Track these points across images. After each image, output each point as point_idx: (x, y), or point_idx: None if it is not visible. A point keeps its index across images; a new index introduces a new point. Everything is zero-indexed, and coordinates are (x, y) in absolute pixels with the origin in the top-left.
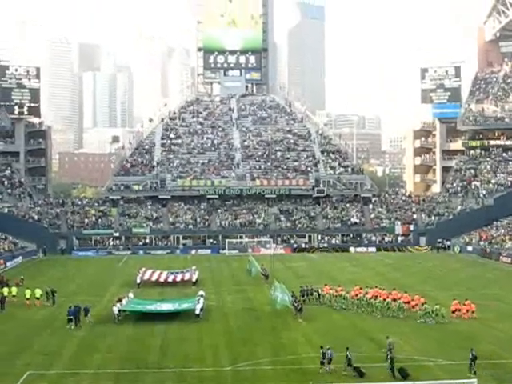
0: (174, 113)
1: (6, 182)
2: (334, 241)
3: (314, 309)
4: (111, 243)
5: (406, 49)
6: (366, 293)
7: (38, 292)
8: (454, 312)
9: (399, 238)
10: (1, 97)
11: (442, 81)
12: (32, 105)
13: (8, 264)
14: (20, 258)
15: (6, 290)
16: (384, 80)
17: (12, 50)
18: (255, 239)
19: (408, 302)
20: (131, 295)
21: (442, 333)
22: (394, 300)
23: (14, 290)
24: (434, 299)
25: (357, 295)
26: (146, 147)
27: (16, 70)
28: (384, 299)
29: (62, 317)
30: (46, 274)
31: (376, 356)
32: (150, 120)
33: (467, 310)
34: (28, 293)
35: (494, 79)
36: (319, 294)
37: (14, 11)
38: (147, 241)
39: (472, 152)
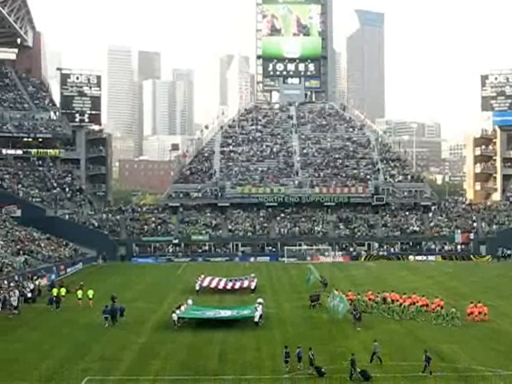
0: (234, 120)
1: (66, 189)
2: (393, 249)
3: (372, 317)
4: (170, 250)
5: (467, 55)
6: (384, 297)
7: (91, 292)
8: (469, 315)
9: (459, 247)
10: (62, 105)
11: (503, 88)
12: (93, 112)
13: (68, 270)
14: (80, 264)
15: (55, 291)
16: (444, 87)
17: (73, 58)
18: (314, 247)
19: (426, 305)
20: (190, 302)
21: (501, 343)
22: (413, 303)
23: (63, 290)
24: (493, 308)
25: (370, 299)
26: (206, 155)
27: (77, 78)
28: (401, 303)
29: (122, 323)
30: (105, 281)
31: (434, 365)
32: (206, 127)
33: (479, 312)
34: (79, 293)
35: None
36: None
37: (76, 22)
38: (206, 248)
39: None
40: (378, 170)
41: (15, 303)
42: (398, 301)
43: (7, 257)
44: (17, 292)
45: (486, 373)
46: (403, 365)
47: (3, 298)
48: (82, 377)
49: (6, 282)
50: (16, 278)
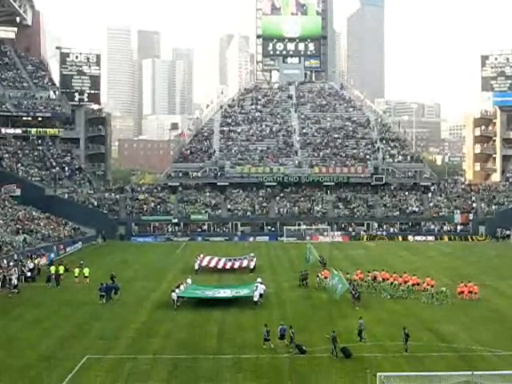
0: (233, 100)
1: (66, 168)
2: (392, 229)
3: (371, 297)
4: (170, 229)
5: (467, 35)
6: (375, 276)
7: (87, 270)
8: (459, 294)
9: (458, 227)
10: (61, 84)
11: (503, 68)
12: (92, 92)
13: (68, 249)
14: (80, 243)
15: (53, 269)
16: (444, 67)
17: (72, 37)
18: (313, 227)
19: (417, 284)
20: (189, 281)
21: (500, 323)
22: (405, 282)
23: (62, 268)
24: (493, 289)
25: (361, 279)
26: (205, 134)
27: (76, 58)
28: (391, 282)
29: (121, 302)
30: (105, 260)
31: (433, 345)
32: (207, 106)
33: (469, 292)
34: (76, 271)
35: None
36: (320, 279)
37: (76, 1)
38: (205, 227)
39: None
40: (378, 149)
41: (15, 282)
42: (388, 279)
43: (7, 236)
44: (16, 271)
45: (486, 353)
46: (401, 344)
47: (3, 277)
48: (82, 355)
49: (5, 261)
50: (15, 257)
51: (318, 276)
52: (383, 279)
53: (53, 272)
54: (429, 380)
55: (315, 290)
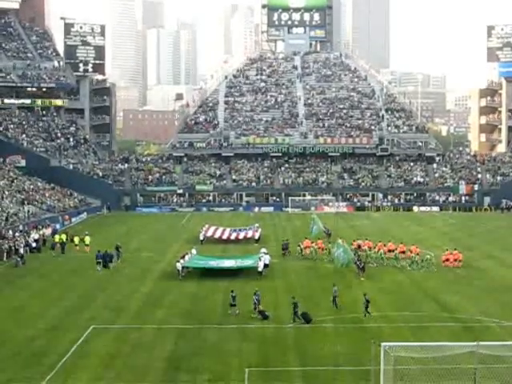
0: (238, 70)
1: (70, 139)
2: (397, 200)
3: (376, 268)
4: (175, 200)
5: (473, 5)
6: (359, 245)
7: (88, 239)
8: (444, 262)
9: (463, 198)
10: (66, 54)
11: (509, 39)
12: (97, 62)
13: (73, 220)
14: (85, 214)
15: (57, 237)
16: (450, 37)
17: (77, 6)
18: (318, 197)
19: (403, 252)
20: (194, 252)
21: (504, 294)
22: (390, 251)
23: (64, 236)
24: (498, 260)
25: None
26: (210, 105)
27: (81, 28)
28: (378, 250)
29: (127, 272)
30: (110, 230)
31: (438, 316)
32: (212, 77)
33: (455, 259)
34: (77, 240)
35: None
36: (301, 249)
37: None
38: (210, 198)
39: None
40: (383, 120)
41: (21, 251)
42: (372, 249)
43: (12, 207)
44: (22, 241)
45: (491, 324)
46: (406, 315)
47: (8, 247)
48: (88, 325)
49: (11, 231)
50: (21, 227)
51: (299, 245)
52: (368, 248)
53: (57, 240)
54: (433, 350)
55: (299, 259)
